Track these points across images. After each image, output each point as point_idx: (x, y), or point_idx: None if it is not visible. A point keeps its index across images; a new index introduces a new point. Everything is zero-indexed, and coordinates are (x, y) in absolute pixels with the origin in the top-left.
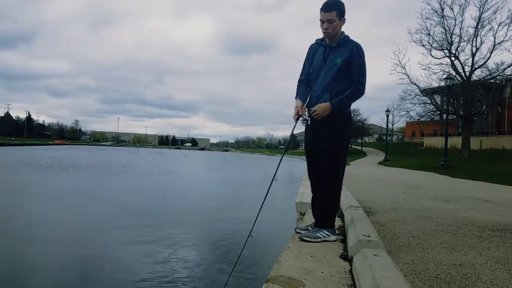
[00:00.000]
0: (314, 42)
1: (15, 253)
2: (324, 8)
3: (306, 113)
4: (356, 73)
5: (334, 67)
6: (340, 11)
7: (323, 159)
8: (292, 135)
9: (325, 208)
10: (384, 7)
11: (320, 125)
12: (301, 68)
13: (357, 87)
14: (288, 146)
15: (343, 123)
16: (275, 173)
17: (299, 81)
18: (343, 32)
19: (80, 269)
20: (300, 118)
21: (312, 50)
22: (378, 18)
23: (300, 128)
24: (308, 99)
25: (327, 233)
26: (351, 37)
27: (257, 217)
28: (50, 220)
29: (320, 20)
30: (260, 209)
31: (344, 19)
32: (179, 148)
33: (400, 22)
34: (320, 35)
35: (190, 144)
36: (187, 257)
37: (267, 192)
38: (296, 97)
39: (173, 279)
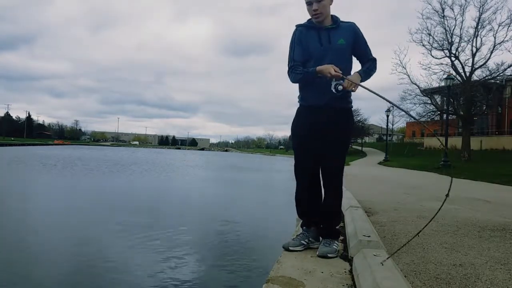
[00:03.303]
0: (299, 24)
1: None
2: None
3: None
4: (368, 50)
5: (340, 49)
6: None
7: (337, 157)
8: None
9: (336, 214)
10: (381, 9)
11: (336, 113)
12: (290, 56)
13: (374, 62)
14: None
15: (352, 117)
16: None
17: (294, 66)
18: (334, 15)
19: (77, 267)
20: (335, 82)
21: (301, 34)
22: (376, 20)
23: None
24: (311, 88)
25: (337, 243)
26: None
27: None
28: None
29: (307, 2)
30: None
31: None
32: (179, 148)
33: (397, 24)
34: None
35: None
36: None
37: None
38: (311, 69)
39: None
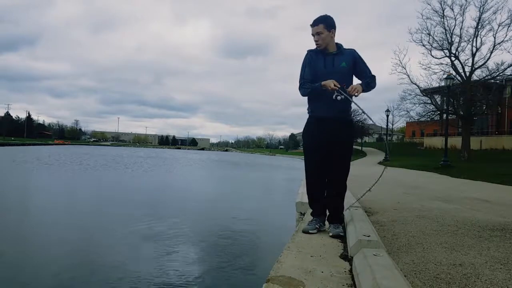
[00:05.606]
0: (310, 49)
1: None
2: (313, 23)
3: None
4: (367, 69)
5: (342, 71)
6: (327, 24)
7: (345, 158)
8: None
9: (341, 205)
10: (381, 9)
11: (340, 124)
12: (301, 74)
13: (373, 79)
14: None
15: (353, 126)
16: None
17: (303, 83)
18: (338, 43)
19: (78, 262)
20: (335, 94)
21: (311, 57)
22: (376, 20)
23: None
24: (319, 102)
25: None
26: (348, 41)
27: None
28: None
29: (311, 34)
30: None
31: (333, 30)
32: (179, 148)
33: (397, 24)
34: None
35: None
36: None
37: None
38: (317, 84)
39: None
